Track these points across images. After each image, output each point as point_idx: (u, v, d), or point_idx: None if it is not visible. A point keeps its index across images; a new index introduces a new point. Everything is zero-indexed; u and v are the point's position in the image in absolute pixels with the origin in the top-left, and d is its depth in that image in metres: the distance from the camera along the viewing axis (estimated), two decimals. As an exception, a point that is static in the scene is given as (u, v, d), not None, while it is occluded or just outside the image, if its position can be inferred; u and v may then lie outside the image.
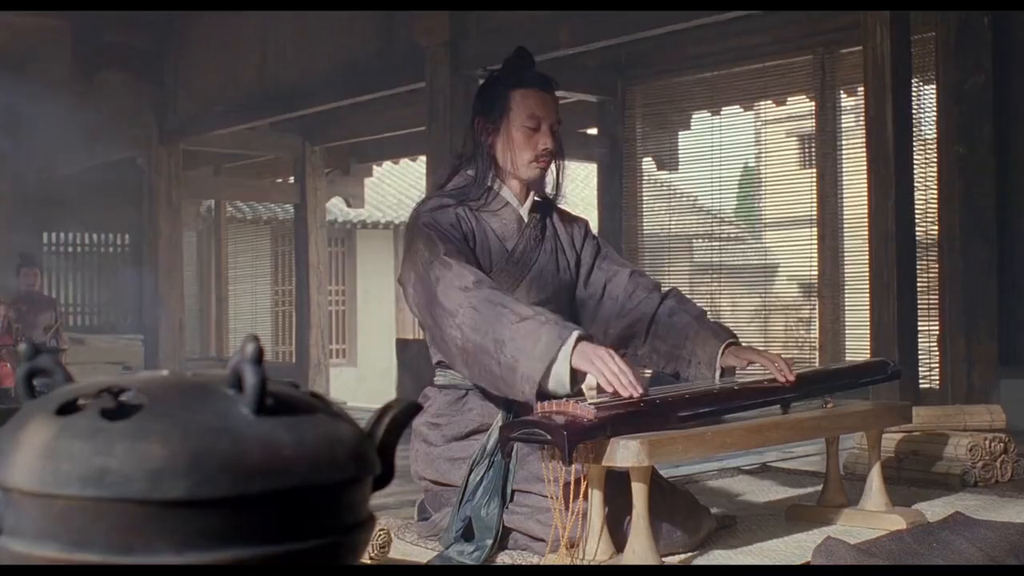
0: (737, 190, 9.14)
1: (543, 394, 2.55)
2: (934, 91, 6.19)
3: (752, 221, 9.47)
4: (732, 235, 10.72)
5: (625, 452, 2.40)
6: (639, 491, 2.45)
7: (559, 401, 2.46)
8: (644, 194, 8.64)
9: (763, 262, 8.81)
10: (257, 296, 14.56)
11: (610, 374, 2.50)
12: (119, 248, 13.75)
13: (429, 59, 7.04)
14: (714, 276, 8.64)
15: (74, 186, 11.94)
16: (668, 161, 8.64)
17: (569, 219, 3.20)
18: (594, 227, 8.95)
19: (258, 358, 0.83)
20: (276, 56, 8.61)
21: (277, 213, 14.31)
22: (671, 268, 8.64)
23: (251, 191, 12.71)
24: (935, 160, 6.15)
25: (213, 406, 0.83)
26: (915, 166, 5.36)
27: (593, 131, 8.74)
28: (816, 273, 7.61)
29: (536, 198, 3.06)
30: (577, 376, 2.54)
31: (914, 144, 5.43)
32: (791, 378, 2.91)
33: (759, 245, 8.72)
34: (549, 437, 2.34)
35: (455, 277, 2.71)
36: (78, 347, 11.36)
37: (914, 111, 5.61)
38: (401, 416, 0.97)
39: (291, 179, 11.66)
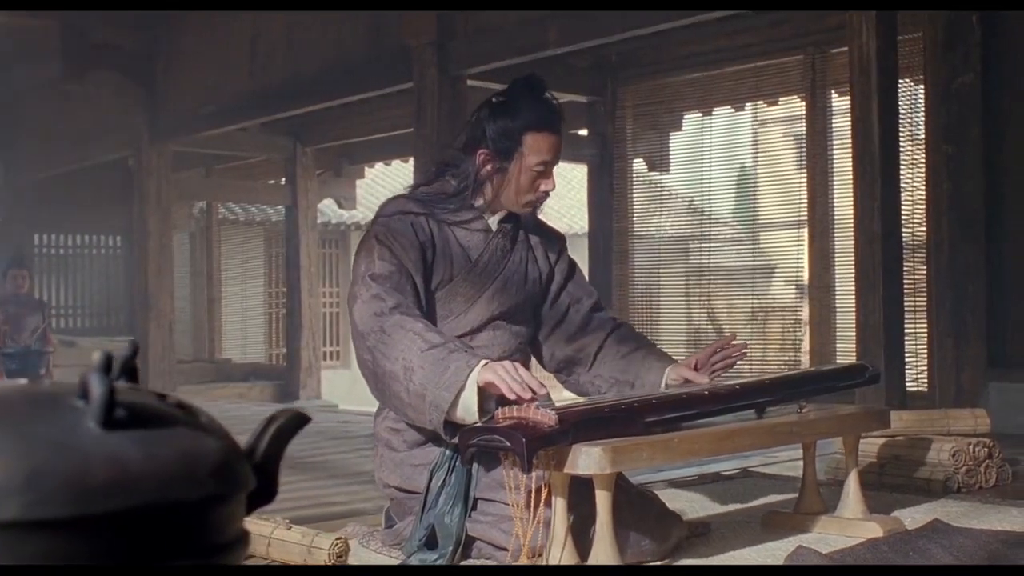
0: (729, 191, 9.06)
1: (450, 423, 2.51)
2: (923, 91, 6.13)
3: (745, 222, 9.40)
4: (724, 236, 10.66)
5: (587, 459, 2.34)
6: (603, 499, 2.39)
7: (520, 406, 2.40)
8: (635, 195, 8.57)
9: (755, 264, 8.73)
10: (250, 298, 14.49)
11: (512, 381, 2.45)
12: (111, 250, 13.69)
13: (416, 59, 6.99)
14: (707, 278, 8.56)
15: (66, 187, 11.89)
16: (659, 162, 8.56)
17: (546, 230, 3.13)
18: (584, 228, 8.90)
19: (106, 367, 0.77)
20: (265, 57, 8.55)
21: (270, 215, 14.24)
22: (663, 270, 8.57)
23: (242, 192, 12.63)
24: (924, 160, 6.08)
25: (59, 419, 0.76)
26: (903, 166, 5.30)
27: (583, 132, 8.67)
28: (808, 275, 7.55)
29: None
30: (485, 405, 2.50)
31: (902, 144, 5.37)
32: (743, 352, 2.94)
33: (752, 247, 8.63)
34: (508, 444, 2.28)
35: (372, 299, 2.68)
36: (68, 349, 11.30)
37: (903, 111, 5.55)
38: (286, 427, 0.90)
39: (283, 180, 11.59)
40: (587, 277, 8.85)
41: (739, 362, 3.06)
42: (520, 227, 3.01)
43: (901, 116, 5.49)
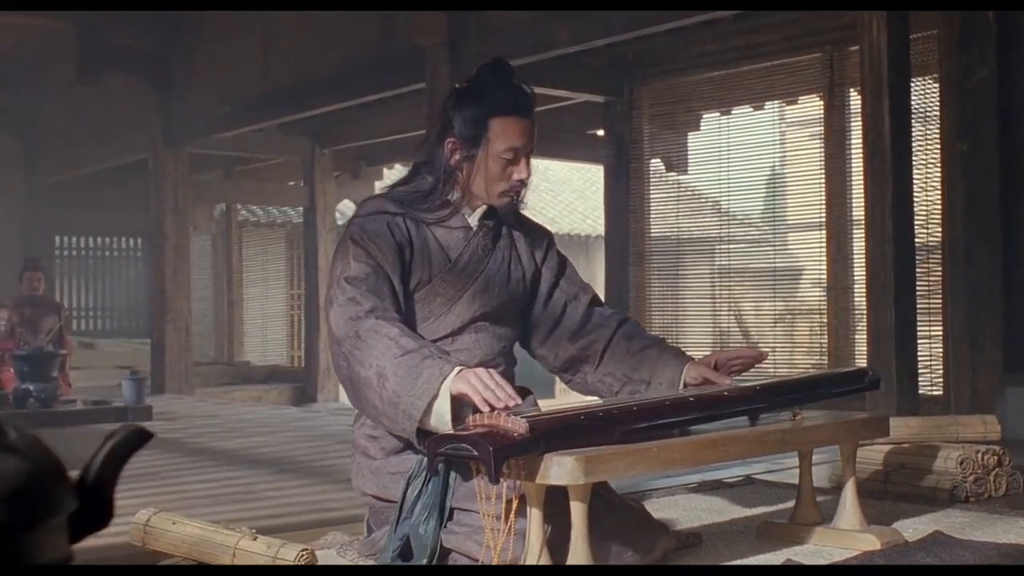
0: (749, 191, 8.93)
1: (424, 431, 2.43)
2: (937, 88, 5.99)
3: (768, 223, 9.28)
4: (745, 238, 10.52)
5: (560, 469, 2.25)
6: (578, 511, 2.29)
7: (491, 414, 2.30)
8: (652, 196, 8.46)
9: (780, 266, 8.58)
10: (271, 300, 14.47)
11: (485, 389, 2.36)
12: (131, 252, 13.71)
13: (428, 59, 6.93)
14: (728, 280, 8.42)
15: (86, 189, 11.90)
16: (677, 162, 8.45)
17: (531, 227, 3.02)
18: (600, 230, 8.76)
19: None
20: (279, 58, 8.52)
21: (291, 216, 14.21)
22: (680, 272, 8.45)
23: (261, 194, 12.61)
24: (939, 160, 5.94)
25: None
26: (919, 166, 5.17)
27: (600, 132, 8.58)
28: (827, 276, 7.43)
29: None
30: (460, 413, 2.41)
31: (916, 143, 5.23)
32: (760, 357, 2.82)
33: (776, 248, 8.49)
34: (475, 452, 2.19)
35: (348, 303, 2.60)
36: (87, 351, 11.32)
37: (917, 109, 5.41)
38: (121, 446, 0.82)
39: (301, 183, 11.56)
40: (604, 279, 8.69)
41: (765, 366, 2.97)
42: (503, 225, 2.91)
43: (915, 114, 5.36)
